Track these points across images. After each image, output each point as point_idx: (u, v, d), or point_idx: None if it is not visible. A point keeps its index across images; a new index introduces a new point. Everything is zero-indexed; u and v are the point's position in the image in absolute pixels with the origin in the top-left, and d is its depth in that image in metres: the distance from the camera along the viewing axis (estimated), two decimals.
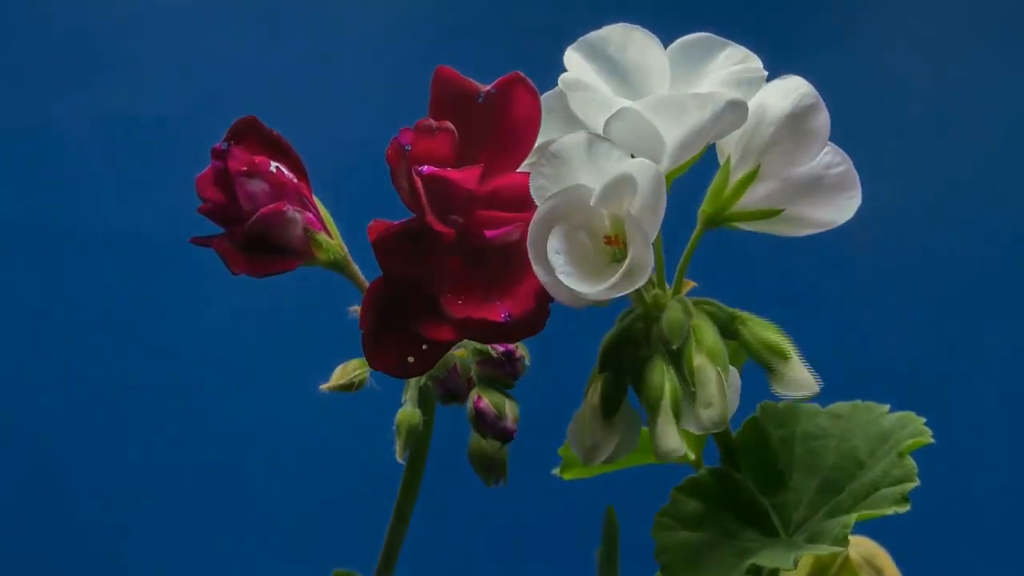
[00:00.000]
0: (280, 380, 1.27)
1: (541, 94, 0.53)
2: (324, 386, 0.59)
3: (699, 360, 0.52)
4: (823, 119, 0.53)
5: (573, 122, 0.53)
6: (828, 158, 0.53)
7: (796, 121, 0.52)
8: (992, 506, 1.26)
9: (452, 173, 0.51)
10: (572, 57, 0.53)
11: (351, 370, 0.59)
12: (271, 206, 0.55)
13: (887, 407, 0.57)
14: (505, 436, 0.58)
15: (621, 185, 0.49)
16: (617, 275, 0.48)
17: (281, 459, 1.30)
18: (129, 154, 1.33)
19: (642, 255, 0.48)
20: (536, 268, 0.49)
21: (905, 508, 0.53)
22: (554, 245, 0.49)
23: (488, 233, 0.51)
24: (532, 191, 0.50)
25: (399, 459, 0.59)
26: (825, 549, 0.52)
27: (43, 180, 1.33)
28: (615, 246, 0.50)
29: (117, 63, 1.34)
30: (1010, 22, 1.37)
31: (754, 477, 0.57)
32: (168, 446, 1.29)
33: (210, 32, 1.36)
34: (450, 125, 0.52)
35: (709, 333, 0.52)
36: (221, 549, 1.29)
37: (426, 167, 0.51)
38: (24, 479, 1.29)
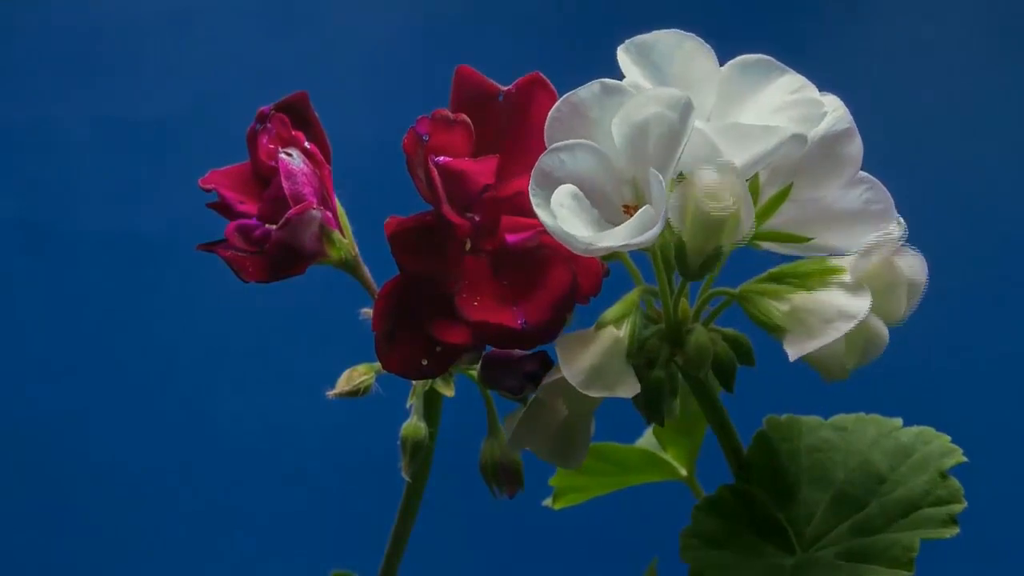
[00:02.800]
0: (281, 380, 1.27)
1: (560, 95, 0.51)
2: (330, 392, 0.58)
3: (785, 306, 0.50)
4: (856, 145, 0.51)
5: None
6: (869, 194, 0.51)
7: (828, 145, 0.51)
8: (993, 512, 1.26)
9: (468, 164, 0.51)
10: (622, 59, 0.51)
11: (357, 376, 0.58)
12: (298, 208, 0.53)
13: (899, 421, 0.57)
14: (540, 361, 0.54)
15: (636, 135, 0.48)
16: (626, 225, 0.46)
17: (280, 460, 1.30)
18: (129, 154, 1.33)
19: (656, 206, 0.46)
20: (539, 213, 0.47)
21: (955, 531, 0.52)
22: (561, 197, 0.47)
23: (509, 238, 0.51)
24: (546, 138, 0.49)
25: (405, 476, 0.58)
26: (886, 573, 0.51)
27: (43, 180, 1.33)
28: (631, 215, 0.48)
29: (117, 63, 1.34)
30: (1012, 21, 1.37)
31: (766, 491, 0.56)
32: (168, 447, 1.29)
33: (210, 32, 1.36)
34: (466, 118, 0.52)
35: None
36: (221, 549, 1.29)
37: (442, 158, 0.51)
38: (24, 479, 1.29)
